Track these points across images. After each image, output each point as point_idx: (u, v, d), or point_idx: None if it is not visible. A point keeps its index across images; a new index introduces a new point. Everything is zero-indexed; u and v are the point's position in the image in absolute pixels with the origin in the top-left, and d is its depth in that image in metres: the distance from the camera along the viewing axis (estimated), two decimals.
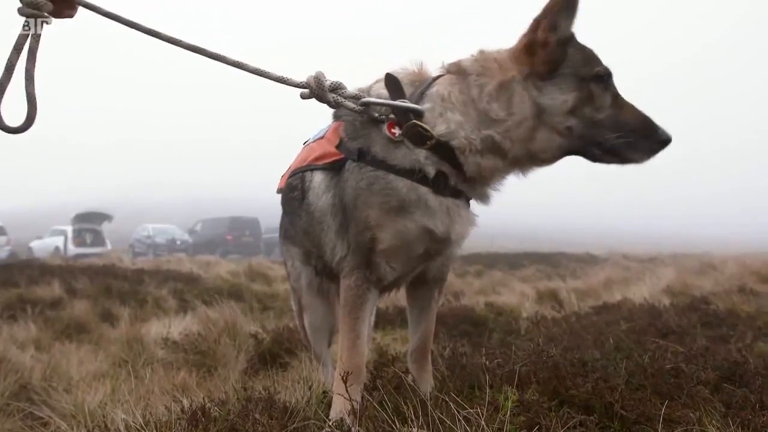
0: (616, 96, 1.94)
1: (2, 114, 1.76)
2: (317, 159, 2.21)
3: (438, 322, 3.05)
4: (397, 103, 2.00)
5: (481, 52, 2.06)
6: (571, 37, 1.94)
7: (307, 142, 2.41)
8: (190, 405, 2.12)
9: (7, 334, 5.29)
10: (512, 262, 17.54)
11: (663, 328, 3.52)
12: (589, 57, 1.95)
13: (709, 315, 4.06)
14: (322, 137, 2.28)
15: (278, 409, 2.09)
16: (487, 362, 2.46)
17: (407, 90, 2.07)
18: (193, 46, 2.06)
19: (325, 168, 2.17)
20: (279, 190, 2.59)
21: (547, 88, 1.92)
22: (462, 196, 2.04)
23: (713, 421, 1.66)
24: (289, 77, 2.10)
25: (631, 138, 1.88)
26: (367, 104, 2.04)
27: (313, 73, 2.06)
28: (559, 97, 1.90)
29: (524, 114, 1.93)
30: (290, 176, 2.40)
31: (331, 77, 2.09)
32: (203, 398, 2.25)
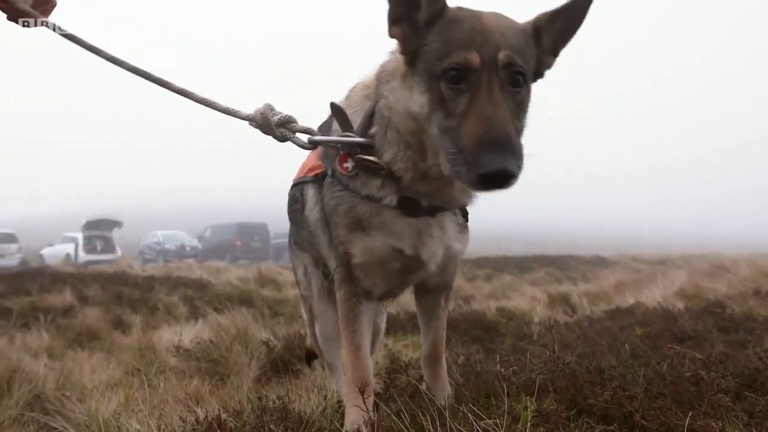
0: (478, 97, 1.47)
1: None
2: (309, 171, 2.20)
3: (449, 328, 3.02)
4: (343, 139, 1.87)
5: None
6: (437, 15, 1.58)
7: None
8: (206, 416, 2.11)
9: (20, 342, 5.32)
10: (521, 265, 17.46)
11: (679, 333, 3.48)
12: (449, 43, 1.53)
13: (725, 319, 4.00)
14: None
15: (293, 420, 2.08)
16: (503, 370, 2.44)
17: (363, 105, 1.92)
18: (135, 68, 2.08)
19: (314, 181, 2.16)
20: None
21: (413, 89, 1.62)
22: (441, 210, 1.90)
23: (736, 431, 1.63)
24: (236, 109, 2.06)
25: (459, 160, 1.45)
26: (315, 142, 1.95)
27: (261, 107, 1.99)
28: (417, 100, 1.59)
29: (408, 125, 1.69)
30: (292, 187, 2.40)
31: (283, 110, 2.01)
32: (218, 409, 2.25)
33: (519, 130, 1.54)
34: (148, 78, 2.12)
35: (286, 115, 1.99)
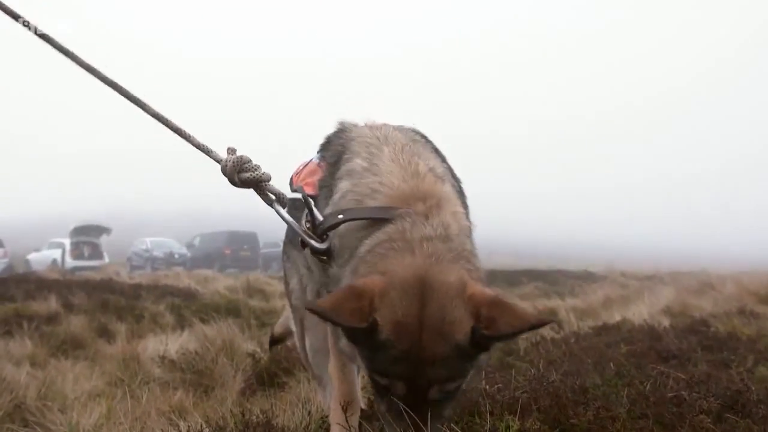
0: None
1: None
2: (306, 184, 2.19)
3: None
4: (301, 233, 1.89)
5: None
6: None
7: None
8: (188, 430, 2.10)
9: (2, 350, 5.26)
10: (511, 279, 17.48)
11: (663, 351, 3.50)
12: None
13: (709, 338, 4.04)
14: (317, 162, 2.24)
15: None
16: (487, 387, 2.44)
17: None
18: (112, 81, 2.04)
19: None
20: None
21: None
22: None
23: None
24: (210, 148, 2.02)
25: None
26: (278, 212, 1.99)
27: (233, 158, 1.96)
28: None
29: None
30: (294, 191, 2.35)
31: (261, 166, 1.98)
32: (201, 424, 2.23)
33: None
34: (125, 95, 2.06)
35: (258, 175, 1.95)
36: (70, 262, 27.65)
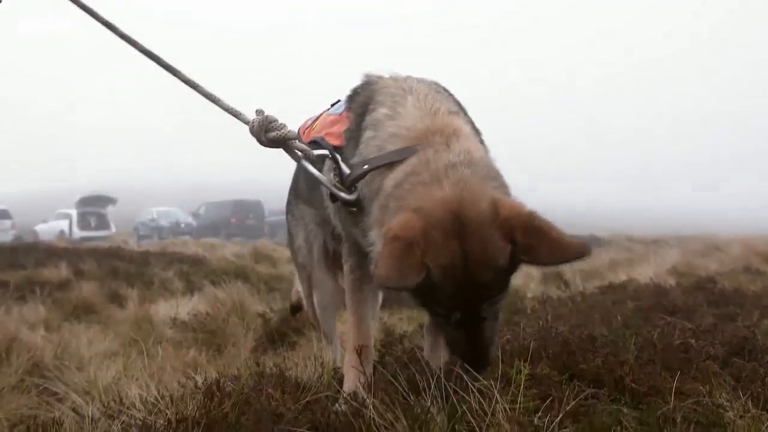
0: None
1: None
2: (328, 135, 2.20)
3: None
4: (329, 186, 1.96)
5: None
6: None
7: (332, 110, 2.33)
8: (205, 380, 2.15)
9: (17, 314, 5.34)
10: None
11: (670, 306, 3.53)
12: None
13: (715, 294, 4.07)
14: (340, 113, 2.25)
15: (291, 384, 2.12)
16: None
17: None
18: (148, 50, 2.11)
19: (330, 153, 2.16)
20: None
21: None
22: None
23: (723, 394, 1.68)
24: (239, 111, 2.10)
25: None
26: (304, 167, 2.04)
27: (260, 118, 2.03)
28: None
29: None
30: (312, 141, 2.36)
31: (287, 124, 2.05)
32: (217, 375, 2.28)
33: None
34: (159, 63, 2.13)
35: (285, 133, 2.02)
36: (77, 233, 27.85)
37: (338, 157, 1.95)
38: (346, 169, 1.90)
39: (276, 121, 2.02)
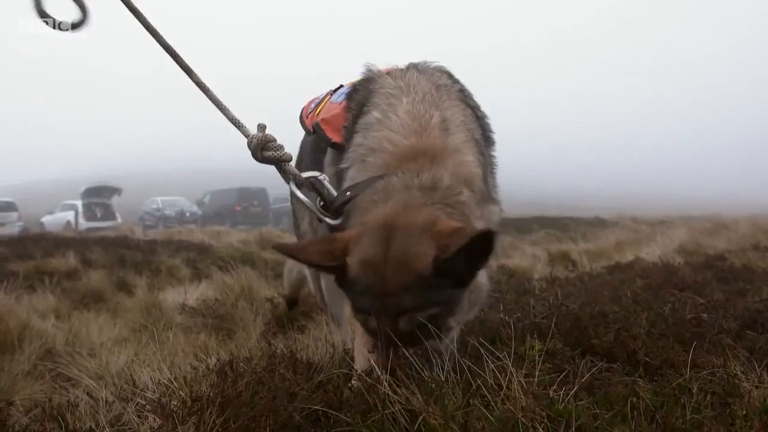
0: None
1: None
2: (327, 123, 2.19)
3: None
4: (315, 211, 1.97)
5: None
6: None
7: (334, 97, 2.34)
8: (218, 361, 2.16)
9: (27, 303, 5.37)
10: (521, 226, 17.51)
11: (679, 283, 3.52)
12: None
13: (724, 271, 4.06)
14: (341, 102, 2.23)
15: (302, 365, 2.12)
16: (506, 317, 2.48)
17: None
18: (169, 46, 2.14)
19: (331, 145, 2.17)
20: (303, 127, 2.53)
21: None
22: None
23: (738, 366, 1.67)
24: (242, 123, 2.14)
25: None
26: (293, 192, 2.05)
27: (260, 135, 2.05)
28: None
29: None
30: (313, 125, 2.33)
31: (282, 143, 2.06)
32: (230, 354, 2.29)
33: None
34: (176, 60, 2.15)
35: (280, 155, 2.04)
36: (83, 224, 27.93)
37: (323, 181, 1.98)
38: (333, 192, 1.95)
39: (274, 141, 2.05)
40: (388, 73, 2.13)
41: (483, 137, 2.03)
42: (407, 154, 1.77)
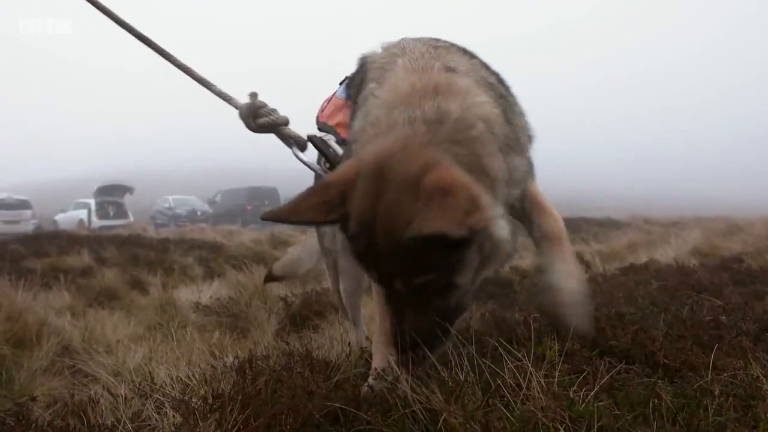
0: None
1: None
2: (338, 125, 2.16)
3: None
4: (320, 172, 1.94)
5: None
6: None
7: (338, 92, 2.30)
8: (236, 358, 2.18)
9: (43, 300, 5.43)
10: None
11: (695, 285, 3.49)
12: None
13: (741, 273, 4.02)
14: (344, 97, 2.22)
15: (319, 364, 2.13)
16: (523, 318, 2.48)
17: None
18: (142, 35, 2.14)
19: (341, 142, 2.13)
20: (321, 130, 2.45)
21: None
22: None
23: (759, 369, 1.66)
24: (230, 96, 2.06)
25: None
26: (297, 156, 1.99)
27: (248, 102, 1.96)
28: None
29: None
30: (320, 129, 2.29)
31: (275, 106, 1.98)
32: (249, 351, 2.31)
33: None
34: (153, 47, 2.13)
35: (274, 119, 1.96)
36: (96, 222, 28.16)
37: (326, 142, 1.95)
38: (339, 151, 1.90)
39: (265, 106, 1.97)
40: (380, 50, 2.01)
41: (498, 82, 1.83)
42: (411, 94, 1.58)
